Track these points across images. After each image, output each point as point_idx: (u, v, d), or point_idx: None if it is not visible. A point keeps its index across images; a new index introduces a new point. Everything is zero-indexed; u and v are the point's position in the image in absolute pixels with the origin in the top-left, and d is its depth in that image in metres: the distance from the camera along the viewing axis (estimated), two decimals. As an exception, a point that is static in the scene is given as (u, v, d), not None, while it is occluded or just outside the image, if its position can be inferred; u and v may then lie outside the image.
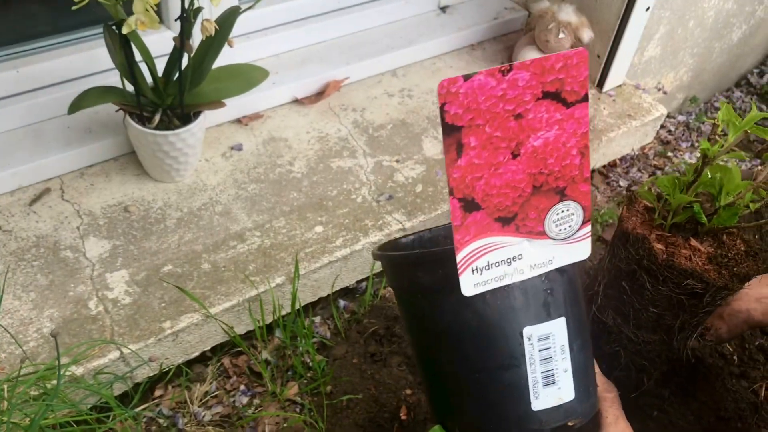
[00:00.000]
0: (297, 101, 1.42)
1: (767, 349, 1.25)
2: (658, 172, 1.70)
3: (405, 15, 1.58)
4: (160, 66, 1.12)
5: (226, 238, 1.17)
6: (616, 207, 1.55)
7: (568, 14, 1.46)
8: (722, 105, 0.84)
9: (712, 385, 1.17)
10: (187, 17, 1.00)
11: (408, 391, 1.12)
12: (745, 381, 1.19)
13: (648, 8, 1.45)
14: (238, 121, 1.36)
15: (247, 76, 1.18)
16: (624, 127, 1.51)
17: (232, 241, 1.17)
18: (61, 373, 0.94)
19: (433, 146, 1.39)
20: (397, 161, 1.35)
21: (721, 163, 0.88)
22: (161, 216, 1.19)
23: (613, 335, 0.92)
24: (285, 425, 1.08)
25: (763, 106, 1.96)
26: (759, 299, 0.98)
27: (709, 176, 0.87)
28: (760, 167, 1.72)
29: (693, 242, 0.85)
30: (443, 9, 1.62)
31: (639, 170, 1.68)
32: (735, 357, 1.23)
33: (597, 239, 1.43)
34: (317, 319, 1.23)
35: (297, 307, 1.16)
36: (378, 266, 1.26)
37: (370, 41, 1.52)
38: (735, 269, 0.84)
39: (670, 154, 1.75)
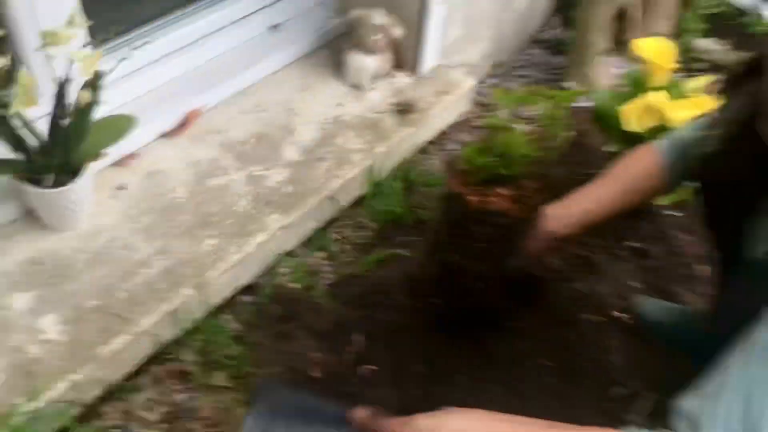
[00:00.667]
0: (165, 135, 1.60)
1: (582, 255, 1.60)
2: (478, 131, 2.02)
3: (244, 38, 1.78)
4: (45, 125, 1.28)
5: (134, 267, 1.36)
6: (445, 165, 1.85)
7: (380, 18, 1.73)
8: (495, 91, 1.14)
9: (546, 293, 1.50)
10: (63, 92, 1.17)
11: (316, 354, 1.37)
12: (569, 283, 1.53)
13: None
14: (118, 163, 1.53)
15: (118, 126, 1.36)
16: (442, 103, 1.81)
17: (139, 268, 1.36)
18: (21, 410, 1.12)
19: (292, 151, 1.63)
20: (265, 169, 1.58)
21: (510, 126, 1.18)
22: (71, 261, 1.35)
23: (457, 271, 1.21)
24: (221, 407, 1.29)
25: (554, 59, 2.33)
26: (558, 218, 1.28)
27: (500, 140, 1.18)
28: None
29: (498, 190, 1.16)
30: (275, 27, 1.84)
31: (466, 133, 2.00)
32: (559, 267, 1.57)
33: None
34: (229, 317, 1.44)
35: (210, 310, 1.37)
36: (272, 261, 1.50)
37: (219, 68, 1.72)
38: (530, 203, 1.15)
39: (487, 113, 2.08)
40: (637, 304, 1.46)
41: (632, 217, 1.68)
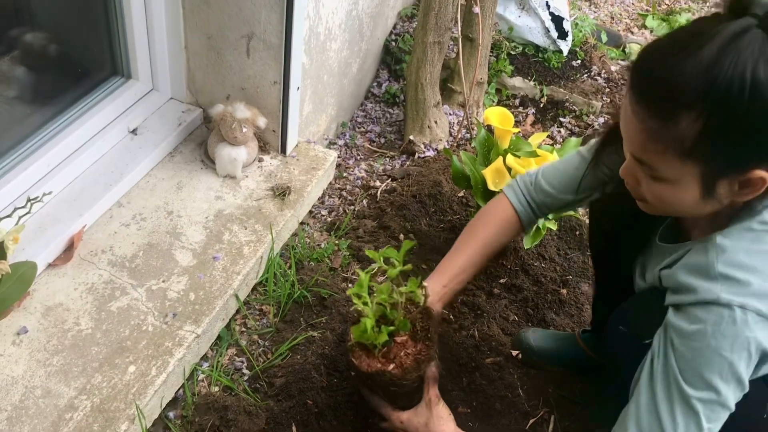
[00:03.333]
0: (51, 266, 1.56)
1: (468, 302, 1.79)
2: (343, 192, 2.16)
3: (106, 149, 1.77)
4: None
5: (60, 414, 1.33)
6: (326, 234, 1.97)
7: (243, 111, 1.80)
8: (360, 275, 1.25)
9: (446, 344, 1.68)
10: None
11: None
12: (464, 331, 1.72)
13: (298, 88, 1.86)
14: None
15: (23, 276, 1.33)
16: (315, 179, 1.92)
17: (66, 413, 1.33)
18: None
19: (185, 256, 1.66)
20: (163, 281, 1.59)
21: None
22: (-9, 424, 1.30)
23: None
24: None
25: (389, 110, 2.52)
26: (434, 295, 1.40)
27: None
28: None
29: (398, 339, 1.28)
30: (134, 131, 1.84)
31: (330, 196, 2.13)
32: (451, 317, 1.76)
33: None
34: (162, 438, 1.46)
35: (148, 438, 1.38)
36: (188, 371, 1.52)
37: (88, 186, 1.69)
38: (428, 333, 1.29)
39: (345, 174, 2.23)
40: (522, 339, 1.68)
41: (498, 257, 1.91)
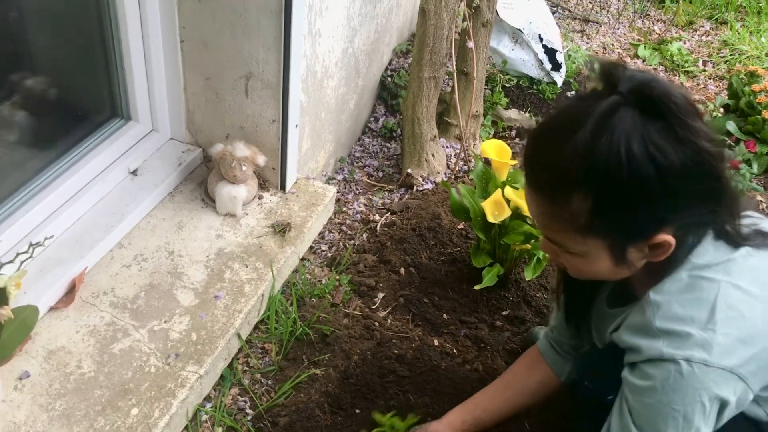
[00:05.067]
0: (53, 309, 1.56)
1: (471, 336, 1.79)
2: (343, 227, 2.17)
3: (106, 190, 1.78)
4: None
5: (63, 460, 1.32)
6: (327, 269, 1.97)
7: (242, 150, 1.81)
8: None
9: (450, 378, 1.67)
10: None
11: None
12: (467, 365, 1.71)
13: (297, 125, 1.88)
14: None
15: (25, 321, 1.32)
16: (314, 215, 1.93)
17: (69, 459, 1.32)
18: None
19: (186, 295, 1.66)
20: (165, 322, 1.59)
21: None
22: (-7, 472, 1.28)
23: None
24: None
25: (387, 144, 2.54)
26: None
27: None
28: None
29: None
30: (134, 172, 1.85)
31: (330, 231, 2.14)
32: (454, 351, 1.75)
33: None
34: (166, 481, 1.44)
35: (152, 482, 1.36)
36: (191, 412, 1.51)
37: (89, 228, 1.70)
38: None
39: (344, 209, 2.23)
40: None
41: (500, 289, 1.91)
